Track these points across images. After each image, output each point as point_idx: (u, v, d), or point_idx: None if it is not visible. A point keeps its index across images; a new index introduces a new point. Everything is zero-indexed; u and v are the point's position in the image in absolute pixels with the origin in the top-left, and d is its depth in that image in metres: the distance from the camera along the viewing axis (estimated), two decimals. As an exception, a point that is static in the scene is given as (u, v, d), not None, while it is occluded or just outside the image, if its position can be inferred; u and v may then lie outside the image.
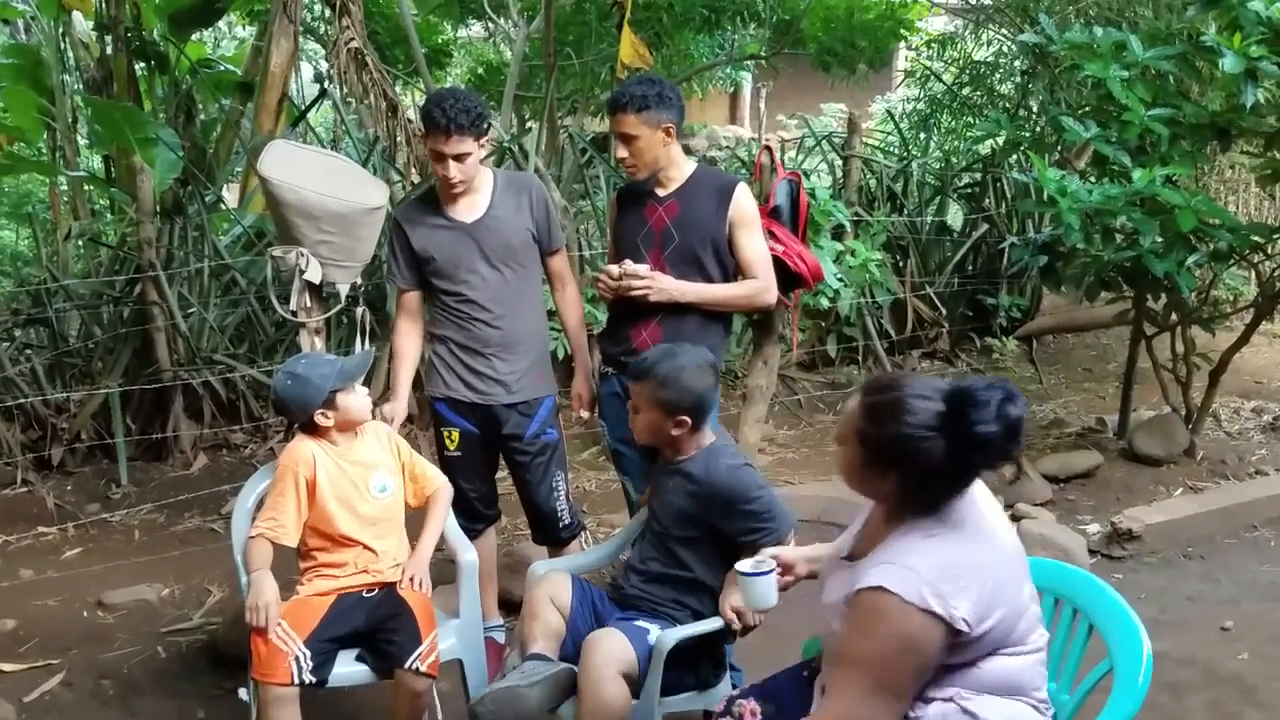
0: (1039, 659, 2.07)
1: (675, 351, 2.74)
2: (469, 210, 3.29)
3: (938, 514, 1.99)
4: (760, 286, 3.29)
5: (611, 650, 2.50)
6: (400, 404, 3.37)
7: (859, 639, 1.96)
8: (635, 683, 2.53)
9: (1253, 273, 5.82)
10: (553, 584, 2.79)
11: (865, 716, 1.93)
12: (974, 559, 1.95)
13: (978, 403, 1.89)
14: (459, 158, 3.15)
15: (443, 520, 3.09)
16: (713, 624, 2.64)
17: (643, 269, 3.17)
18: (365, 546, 2.92)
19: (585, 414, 3.51)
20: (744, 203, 3.25)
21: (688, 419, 2.68)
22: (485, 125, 3.21)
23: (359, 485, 2.94)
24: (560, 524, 3.49)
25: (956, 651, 1.94)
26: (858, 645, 1.95)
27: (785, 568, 2.41)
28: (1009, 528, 2.08)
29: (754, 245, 3.28)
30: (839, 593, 2.07)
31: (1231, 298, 7.16)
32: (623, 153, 3.21)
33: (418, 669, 2.75)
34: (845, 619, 2.01)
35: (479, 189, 3.30)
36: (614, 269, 3.21)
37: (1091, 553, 4.36)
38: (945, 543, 1.96)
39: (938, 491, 1.99)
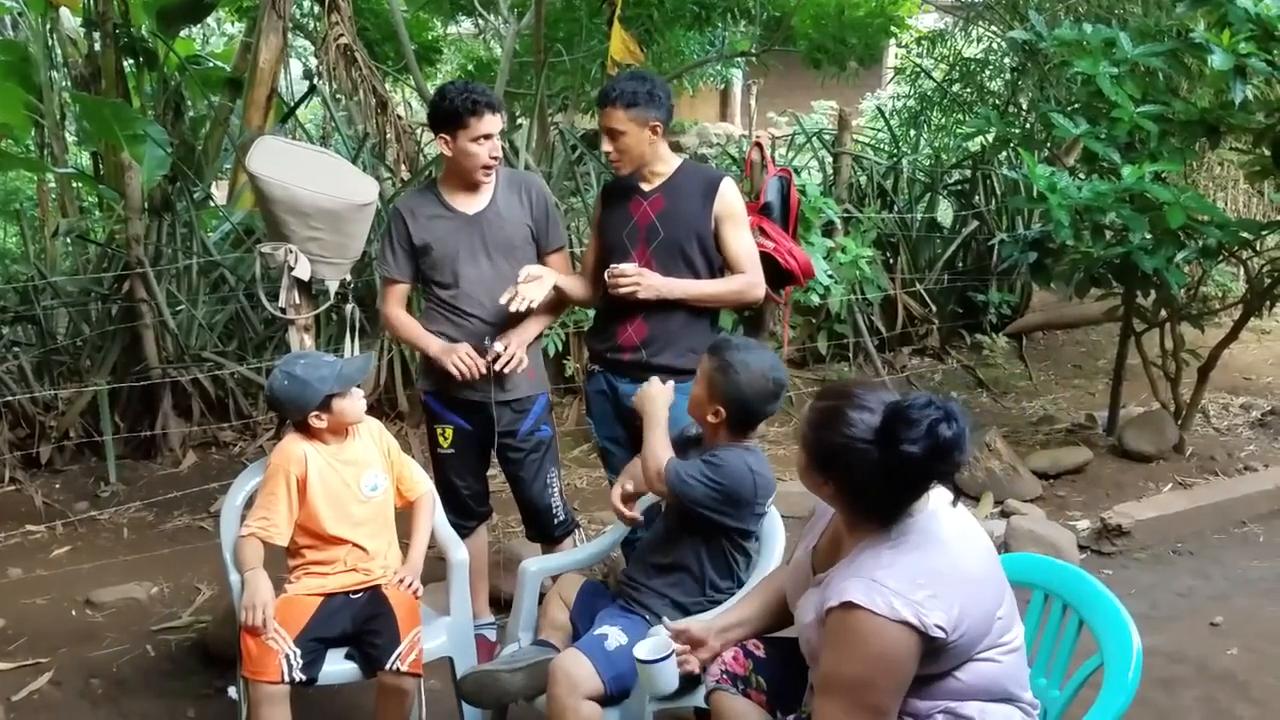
0: (1018, 657, 2.07)
1: (759, 350, 2.69)
2: (471, 202, 3.30)
3: (896, 524, 1.99)
4: (748, 282, 3.28)
5: (571, 678, 2.50)
6: (439, 345, 3.27)
7: (837, 661, 1.95)
8: (603, 694, 2.52)
9: (1241, 269, 5.84)
10: (564, 581, 2.90)
11: None
12: (941, 564, 1.95)
13: (909, 421, 1.89)
14: (491, 136, 3.20)
15: (429, 527, 3.10)
16: (697, 618, 2.63)
17: (630, 267, 3.16)
18: (355, 545, 2.91)
19: (500, 347, 3.24)
20: (730, 198, 3.25)
21: (724, 412, 2.63)
22: None
23: (350, 484, 2.92)
24: (554, 520, 3.50)
25: (932, 660, 1.94)
26: (836, 667, 1.94)
27: (693, 643, 2.34)
28: (976, 530, 2.07)
29: (741, 240, 3.28)
30: (812, 613, 2.07)
31: (1220, 294, 7.19)
32: (608, 146, 3.22)
33: (399, 669, 2.73)
34: (822, 640, 2.00)
35: (484, 181, 3.31)
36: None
37: (1081, 548, 4.37)
38: (910, 551, 1.96)
39: (880, 501, 1.99)
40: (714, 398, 2.63)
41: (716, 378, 2.62)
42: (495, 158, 3.24)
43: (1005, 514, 4.51)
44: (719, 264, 3.29)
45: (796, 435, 2.11)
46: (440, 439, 3.40)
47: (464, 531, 3.34)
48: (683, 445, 2.82)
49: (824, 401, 2.05)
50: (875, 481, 1.95)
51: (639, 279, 3.15)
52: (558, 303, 3.41)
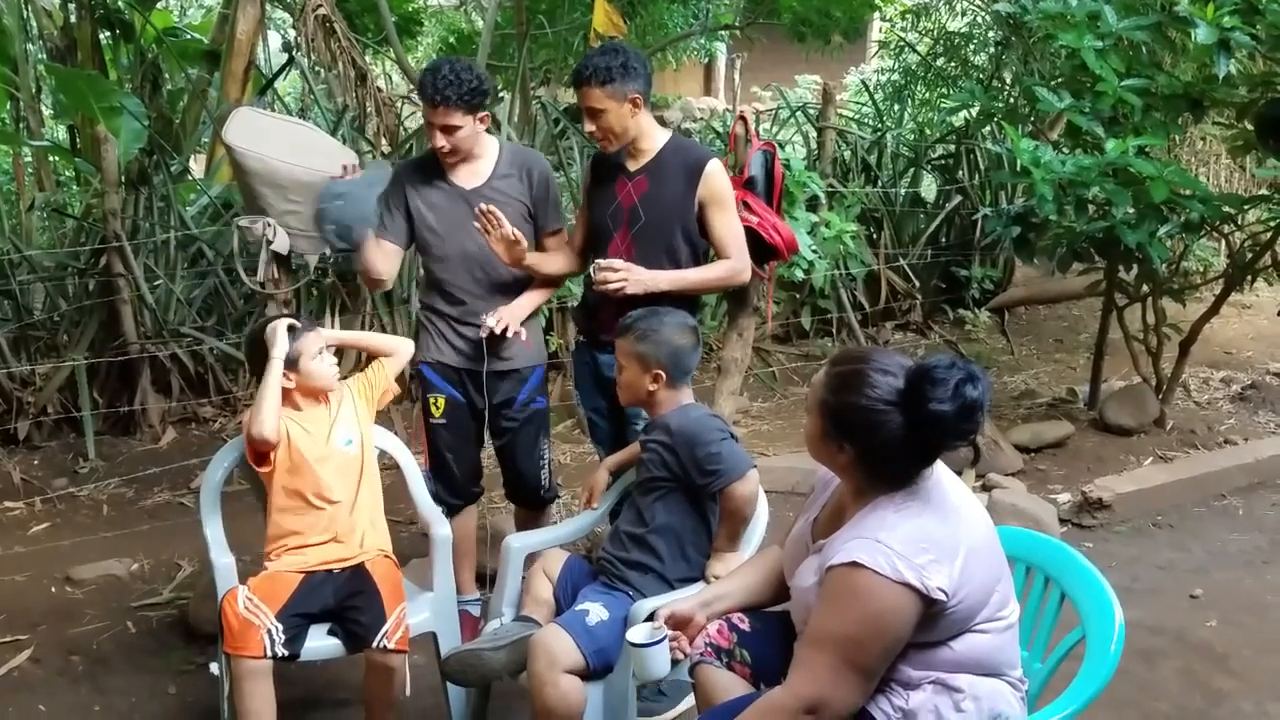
0: (1012, 633, 2.07)
1: (657, 310, 2.86)
2: (470, 177, 3.26)
3: (905, 489, 1.99)
4: (734, 267, 3.21)
5: (551, 652, 2.51)
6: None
7: (830, 616, 1.94)
8: (585, 669, 2.54)
9: (1223, 243, 5.86)
10: (548, 556, 2.92)
11: (832, 695, 1.92)
12: (944, 530, 1.95)
13: (936, 380, 1.89)
14: (446, 129, 3.12)
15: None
16: (683, 594, 2.64)
17: (618, 263, 3.08)
18: (333, 502, 2.91)
19: (491, 321, 3.21)
20: (715, 181, 3.14)
21: (663, 373, 2.76)
22: (480, 101, 3.14)
23: (322, 441, 2.94)
24: (542, 488, 3.51)
25: (929, 627, 1.94)
26: (829, 622, 1.94)
27: (681, 622, 2.33)
28: (977, 504, 2.09)
29: (727, 224, 3.18)
30: (812, 577, 2.06)
31: (1202, 269, 7.22)
32: (591, 126, 3.12)
33: (386, 647, 2.73)
34: (818, 597, 2.00)
35: (482, 156, 3.27)
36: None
37: (1062, 522, 4.39)
38: (915, 516, 1.96)
39: (897, 467, 1.99)
40: (649, 366, 2.77)
41: (643, 348, 2.77)
42: (441, 149, 3.15)
43: (986, 488, 4.52)
44: (703, 248, 3.22)
45: (808, 404, 2.09)
46: (433, 409, 3.38)
47: (453, 511, 3.33)
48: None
49: (843, 366, 2.03)
50: (895, 445, 1.94)
51: (626, 275, 3.06)
52: (554, 279, 3.41)
